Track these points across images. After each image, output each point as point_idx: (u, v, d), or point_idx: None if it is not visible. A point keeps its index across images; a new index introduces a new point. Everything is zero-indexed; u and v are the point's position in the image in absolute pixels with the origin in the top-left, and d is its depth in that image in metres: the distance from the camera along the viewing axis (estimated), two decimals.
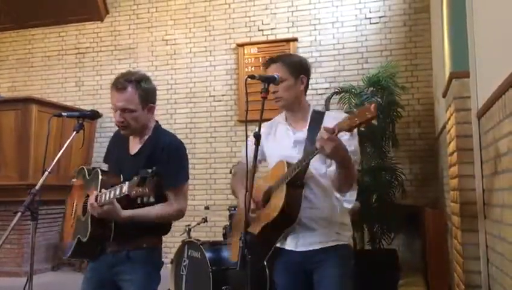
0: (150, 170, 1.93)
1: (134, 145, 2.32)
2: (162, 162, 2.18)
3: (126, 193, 1.96)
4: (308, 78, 2.23)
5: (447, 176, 3.64)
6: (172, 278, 4.24)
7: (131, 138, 2.35)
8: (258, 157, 2.14)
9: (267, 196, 2.09)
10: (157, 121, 2.40)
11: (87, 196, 2.24)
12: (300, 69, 2.20)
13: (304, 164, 1.93)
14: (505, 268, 2.26)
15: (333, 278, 2.03)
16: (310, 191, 2.07)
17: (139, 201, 1.97)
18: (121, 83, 2.20)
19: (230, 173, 2.48)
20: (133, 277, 2.20)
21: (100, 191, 2.13)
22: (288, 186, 1.97)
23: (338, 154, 1.83)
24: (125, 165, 2.27)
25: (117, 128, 2.31)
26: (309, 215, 2.06)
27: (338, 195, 2.06)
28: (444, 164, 4.32)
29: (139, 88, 2.22)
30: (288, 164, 2.01)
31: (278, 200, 1.98)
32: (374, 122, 5.02)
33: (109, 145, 2.48)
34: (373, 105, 1.61)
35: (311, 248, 2.07)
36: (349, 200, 2.08)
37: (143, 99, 2.23)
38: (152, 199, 1.97)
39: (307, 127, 2.16)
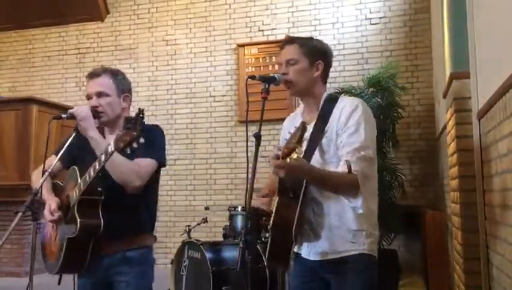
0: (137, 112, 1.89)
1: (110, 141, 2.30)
2: (143, 143, 2.20)
3: (113, 149, 1.91)
4: (327, 65, 2.06)
5: (448, 177, 3.64)
6: (172, 279, 4.24)
7: (106, 133, 2.33)
8: None
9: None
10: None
11: (67, 196, 2.20)
12: (317, 53, 2.03)
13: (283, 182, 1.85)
14: (506, 269, 2.26)
15: None
16: (322, 196, 1.94)
17: (128, 151, 1.89)
18: (95, 71, 2.30)
19: None
20: (130, 277, 2.19)
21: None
22: (280, 199, 1.88)
23: (295, 176, 1.79)
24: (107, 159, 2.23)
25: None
26: (322, 223, 1.93)
27: (345, 200, 1.91)
28: (444, 164, 4.32)
29: (113, 76, 2.29)
30: None
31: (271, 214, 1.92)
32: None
33: (71, 149, 2.26)
34: (301, 128, 1.63)
35: (323, 258, 1.94)
36: (357, 206, 1.89)
37: (118, 86, 2.29)
38: (142, 140, 1.86)
39: (315, 120, 2.01)
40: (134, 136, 1.85)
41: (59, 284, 2.30)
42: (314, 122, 2.00)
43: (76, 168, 2.22)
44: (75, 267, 2.19)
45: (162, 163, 2.30)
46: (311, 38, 2.14)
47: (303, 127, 1.64)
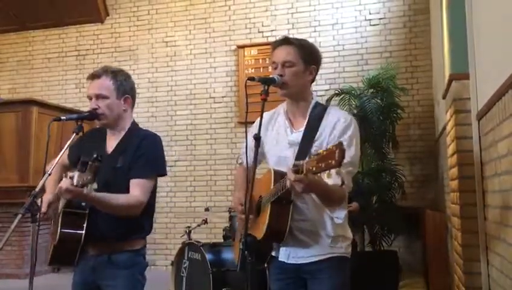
0: (93, 156, 1.89)
1: (111, 143, 2.31)
2: (135, 153, 2.20)
3: (75, 183, 1.92)
4: (317, 70, 2.08)
5: (447, 178, 3.64)
6: (172, 280, 4.24)
7: (108, 135, 2.34)
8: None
9: (259, 206, 2.02)
10: (134, 120, 2.39)
11: None
12: (312, 57, 2.04)
13: (283, 192, 1.82)
14: (505, 270, 2.26)
15: None
16: (302, 202, 1.96)
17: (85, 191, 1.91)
18: (96, 72, 2.28)
19: (237, 163, 2.38)
20: (116, 282, 2.17)
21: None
22: (273, 206, 1.88)
23: (312, 191, 1.78)
24: (103, 164, 2.26)
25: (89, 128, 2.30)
26: (301, 228, 1.97)
27: (327, 210, 1.96)
28: (444, 165, 4.32)
29: (113, 78, 2.27)
30: (276, 175, 1.92)
31: (264, 219, 1.92)
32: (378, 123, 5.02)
33: (78, 147, 2.35)
34: (338, 151, 1.49)
35: (302, 262, 1.99)
36: (339, 217, 1.97)
37: (118, 88, 2.26)
38: (95, 186, 1.89)
39: (304, 127, 2.02)
40: (88, 180, 1.88)
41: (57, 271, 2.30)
42: (303, 129, 2.02)
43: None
44: (63, 264, 2.22)
45: (161, 174, 2.31)
46: (306, 41, 2.11)
47: (342, 150, 1.51)
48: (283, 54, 2.02)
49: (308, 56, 2.03)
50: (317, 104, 2.08)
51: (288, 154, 2.00)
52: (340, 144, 1.53)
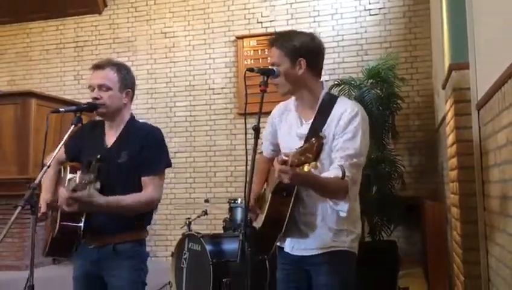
0: (96, 156, 1.94)
1: (110, 137, 2.32)
2: (142, 149, 2.23)
3: (77, 182, 1.97)
4: (311, 60, 2.02)
5: (447, 168, 3.64)
6: (172, 271, 4.25)
7: (107, 129, 2.35)
8: (273, 143, 2.19)
9: (263, 198, 2.08)
10: (132, 113, 2.41)
11: None
12: (296, 52, 2.00)
13: (278, 182, 1.85)
14: (504, 259, 2.27)
15: (329, 287, 1.98)
16: (308, 195, 2.00)
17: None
18: (100, 63, 2.31)
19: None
20: (120, 271, 2.20)
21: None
22: (273, 197, 1.93)
23: (299, 183, 1.82)
24: (104, 158, 2.26)
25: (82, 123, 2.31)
26: (306, 221, 2.02)
27: (331, 203, 1.97)
28: (443, 155, 4.32)
29: (117, 70, 2.30)
30: None
31: (264, 210, 1.98)
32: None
33: (76, 141, 2.38)
34: (316, 145, 1.55)
35: (305, 254, 2.03)
36: (342, 209, 1.95)
37: (121, 81, 2.29)
38: (98, 186, 1.93)
39: (312, 118, 2.02)
40: (91, 180, 1.93)
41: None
42: (311, 121, 2.03)
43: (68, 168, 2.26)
44: (60, 255, 2.33)
45: (168, 167, 2.35)
46: (290, 36, 2.08)
47: (320, 144, 1.56)
48: (270, 55, 2.07)
49: (291, 51, 2.01)
50: (327, 95, 2.08)
51: (297, 146, 1.98)
52: (320, 138, 1.57)
